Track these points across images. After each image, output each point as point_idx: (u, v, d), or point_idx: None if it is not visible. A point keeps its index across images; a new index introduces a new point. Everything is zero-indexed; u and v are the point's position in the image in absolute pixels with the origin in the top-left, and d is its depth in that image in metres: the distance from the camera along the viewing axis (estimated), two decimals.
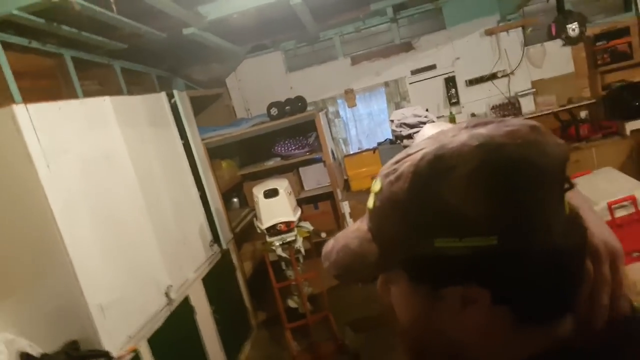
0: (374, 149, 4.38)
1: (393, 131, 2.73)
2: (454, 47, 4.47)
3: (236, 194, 4.57)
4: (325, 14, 3.91)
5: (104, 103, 2.32)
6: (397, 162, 0.51)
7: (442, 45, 4.48)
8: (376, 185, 0.53)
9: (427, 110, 2.93)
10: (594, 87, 4.25)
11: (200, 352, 2.83)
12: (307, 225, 3.03)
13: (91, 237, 2.03)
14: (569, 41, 4.28)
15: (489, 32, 4.40)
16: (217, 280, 3.30)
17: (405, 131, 2.63)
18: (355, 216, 4.03)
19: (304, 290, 3.21)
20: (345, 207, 4.05)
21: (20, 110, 1.71)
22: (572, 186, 0.47)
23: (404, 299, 0.54)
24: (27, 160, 1.76)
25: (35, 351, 1.73)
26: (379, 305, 3.12)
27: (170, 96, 3.20)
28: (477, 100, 4.44)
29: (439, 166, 0.47)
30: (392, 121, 2.71)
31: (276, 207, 2.88)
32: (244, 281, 3.90)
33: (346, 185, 4.40)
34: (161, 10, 2.69)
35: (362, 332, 3.37)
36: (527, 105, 4.45)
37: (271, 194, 2.88)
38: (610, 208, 2.15)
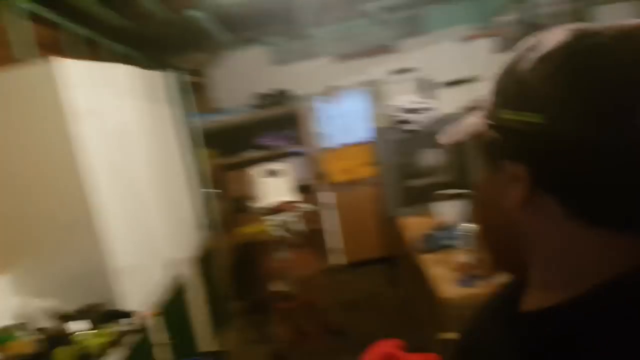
0: (361, 143, 4.58)
1: (394, 116, 2.91)
2: (432, 51, 4.75)
3: (215, 184, 4.58)
4: (319, 9, 4.06)
5: (128, 71, 2.33)
6: None
7: (422, 48, 4.75)
8: None
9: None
10: None
11: (190, 331, 2.84)
12: (306, 205, 3.13)
13: (114, 201, 2.04)
14: None
15: (466, 39, 4.73)
16: (206, 264, 3.32)
17: (407, 116, 2.82)
18: (340, 207, 4.16)
19: (292, 273, 3.30)
20: (329, 197, 4.17)
21: (59, 65, 1.72)
22: None
23: (482, 168, 0.57)
24: (63, 114, 1.76)
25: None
26: (366, 288, 3.29)
27: (168, 76, 3.22)
28: (455, 102, 4.70)
29: (532, 44, 0.49)
30: (394, 107, 2.89)
31: (278, 187, 2.97)
32: (227, 268, 3.93)
33: (326, 178, 4.52)
34: None
35: (348, 312, 3.49)
36: None
37: (273, 173, 2.96)
38: None
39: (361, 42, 4.83)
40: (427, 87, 4.76)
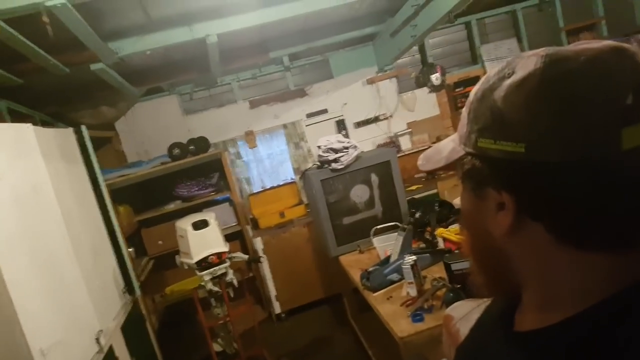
0: (282, 184, 4.57)
1: (320, 156, 2.95)
2: (341, 93, 4.96)
3: (131, 243, 4.27)
4: (230, 57, 4.07)
5: (28, 130, 2.12)
6: None
7: (331, 92, 4.94)
8: None
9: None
10: (456, 126, 5.06)
11: None
12: (241, 255, 3.01)
13: (28, 275, 1.80)
14: (434, 88, 5.07)
15: (370, 81, 5.00)
16: (133, 331, 3.04)
17: (332, 155, 2.88)
18: (268, 251, 4.07)
19: (233, 328, 3.12)
20: (258, 243, 4.07)
21: None
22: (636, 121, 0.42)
23: (462, 193, 0.57)
24: None
25: None
26: (312, 333, 3.19)
27: (76, 132, 2.99)
28: (365, 140, 4.92)
29: (504, 70, 0.49)
30: (319, 147, 2.93)
31: (207, 239, 2.82)
32: (154, 333, 3.62)
33: (253, 224, 4.43)
34: (80, 42, 2.58)
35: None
36: (405, 143, 5.08)
37: (201, 225, 2.83)
38: None
39: (273, 87, 4.91)
40: (341, 127, 4.94)
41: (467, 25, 5.12)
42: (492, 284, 0.59)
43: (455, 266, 1.94)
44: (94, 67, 3.11)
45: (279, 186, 4.59)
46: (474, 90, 0.53)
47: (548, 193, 0.45)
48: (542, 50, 0.47)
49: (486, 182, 0.51)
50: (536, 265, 0.51)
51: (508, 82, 0.48)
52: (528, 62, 0.47)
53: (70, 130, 2.95)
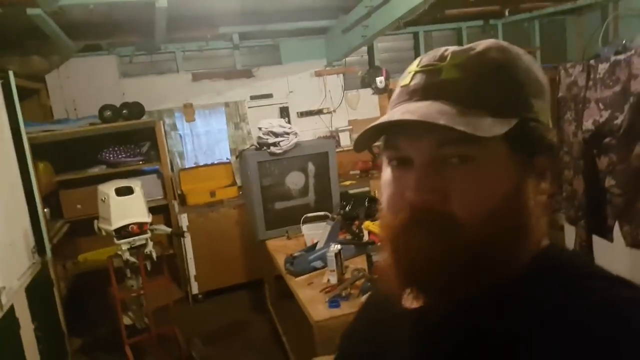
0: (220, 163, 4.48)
1: (259, 138, 2.94)
2: (288, 81, 4.96)
3: (47, 203, 4.01)
4: (177, 25, 3.93)
5: None
6: (455, 50, 0.56)
7: (278, 77, 4.92)
8: (447, 60, 0.54)
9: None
10: None
11: None
12: (163, 227, 2.93)
13: None
14: (377, 91, 5.22)
15: (318, 74, 5.04)
16: (39, 294, 2.87)
17: (272, 139, 2.88)
18: (192, 230, 3.99)
19: (146, 302, 3.04)
20: (184, 219, 3.98)
21: None
22: None
23: (495, 171, 0.50)
24: None
25: None
26: (228, 317, 3.19)
27: (1, 77, 2.75)
28: (307, 130, 4.95)
29: (512, 51, 0.56)
30: (259, 129, 2.92)
31: (130, 207, 2.72)
32: (60, 300, 3.44)
33: (181, 199, 4.32)
34: None
35: (211, 344, 3.32)
36: (345, 139, 5.18)
37: (124, 191, 2.72)
38: None
39: (219, 64, 4.80)
40: (284, 114, 4.93)
41: (415, 35, 5.31)
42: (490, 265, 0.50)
43: (376, 258, 2.03)
44: (30, 12, 2.87)
45: (213, 164, 4.51)
46: (503, 57, 0.54)
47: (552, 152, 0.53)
48: (488, 42, 0.56)
49: (537, 149, 0.52)
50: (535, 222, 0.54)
51: (521, 55, 0.56)
52: (500, 47, 0.56)
53: None
